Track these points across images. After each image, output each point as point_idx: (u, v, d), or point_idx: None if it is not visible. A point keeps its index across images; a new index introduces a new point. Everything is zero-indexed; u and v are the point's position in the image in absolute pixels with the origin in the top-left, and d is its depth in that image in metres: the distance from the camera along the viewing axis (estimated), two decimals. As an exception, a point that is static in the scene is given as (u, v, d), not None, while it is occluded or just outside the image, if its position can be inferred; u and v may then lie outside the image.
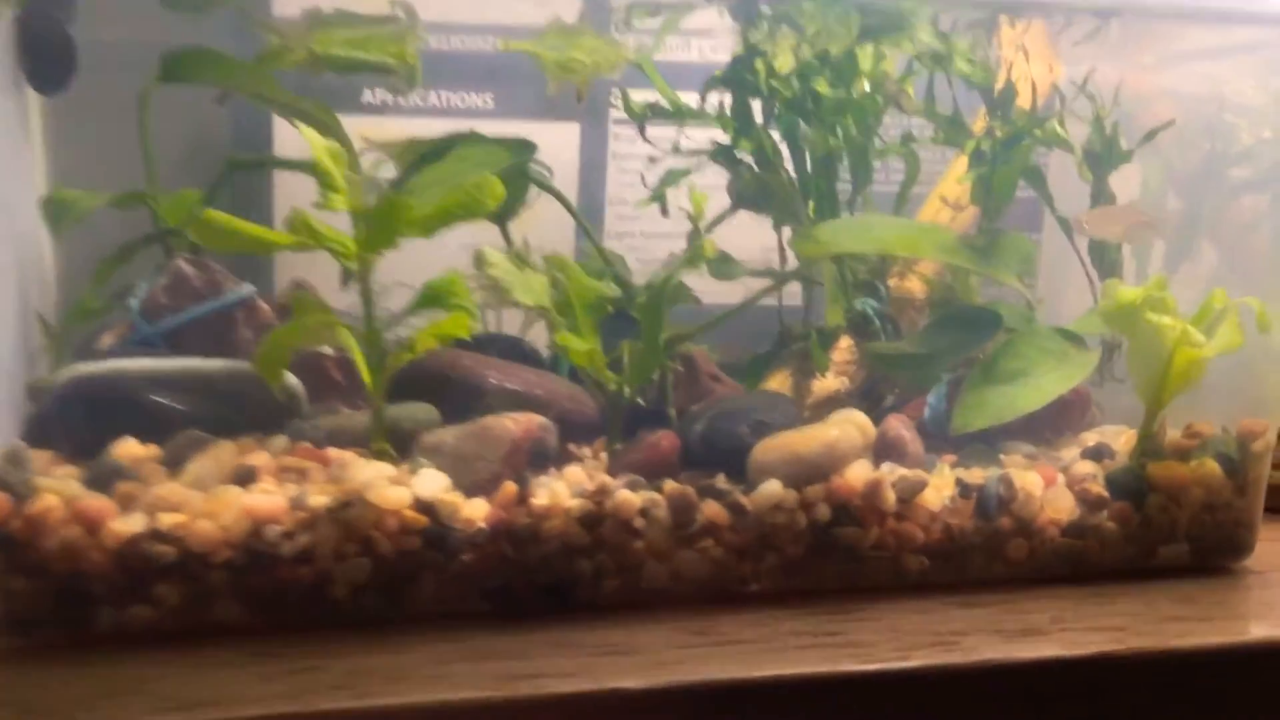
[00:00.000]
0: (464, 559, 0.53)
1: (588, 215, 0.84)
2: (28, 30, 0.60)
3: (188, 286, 0.61)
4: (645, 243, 0.79)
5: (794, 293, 0.73)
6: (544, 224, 0.70)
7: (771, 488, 0.56)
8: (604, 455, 0.61)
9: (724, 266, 0.72)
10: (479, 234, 0.62)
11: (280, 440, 0.56)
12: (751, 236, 0.71)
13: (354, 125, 0.65)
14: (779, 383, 0.68)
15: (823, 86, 0.61)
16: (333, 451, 0.55)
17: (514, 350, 0.68)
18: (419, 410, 0.59)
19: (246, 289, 0.62)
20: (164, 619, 0.50)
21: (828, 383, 0.68)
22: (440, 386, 0.61)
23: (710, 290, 0.69)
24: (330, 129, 0.67)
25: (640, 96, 0.68)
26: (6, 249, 0.59)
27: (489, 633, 0.52)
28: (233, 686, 0.46)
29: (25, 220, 0.63)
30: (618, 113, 0.70)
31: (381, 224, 0.52)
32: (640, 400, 0.64)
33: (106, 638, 0.50)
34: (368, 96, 0.79)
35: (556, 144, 0.82)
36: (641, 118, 0.69)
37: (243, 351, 0.59)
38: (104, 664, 0.48)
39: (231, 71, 0.64)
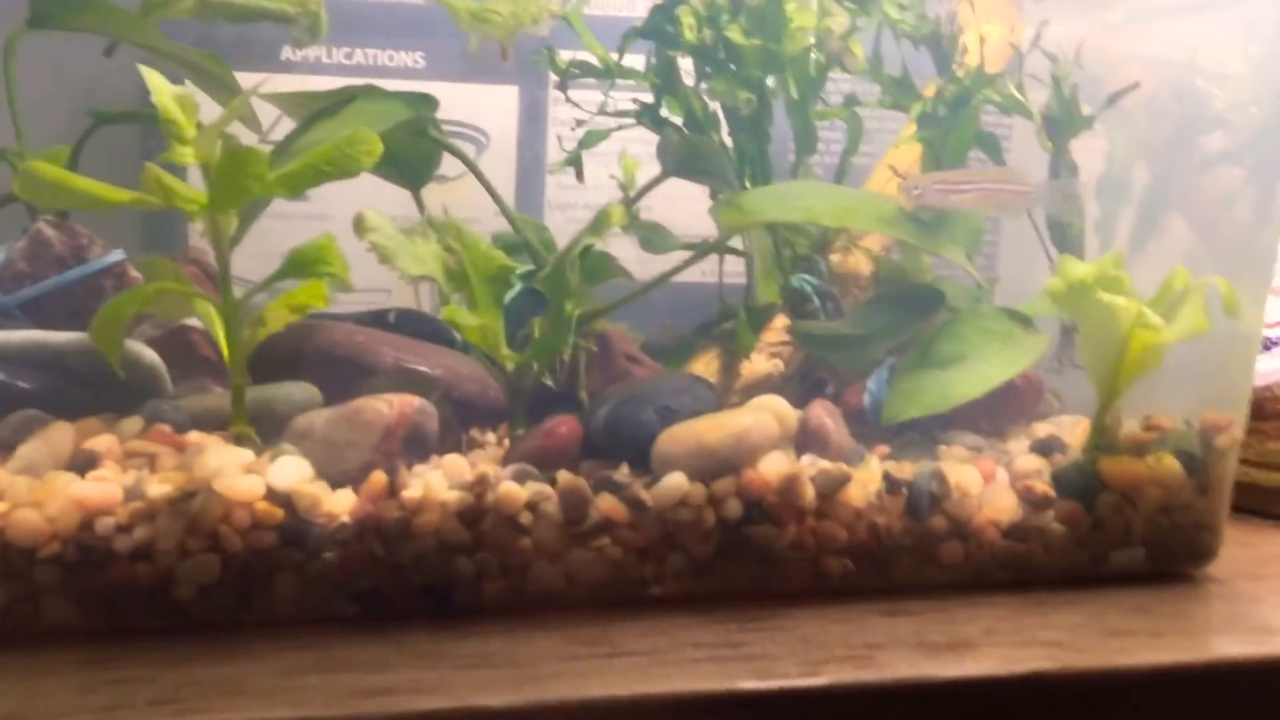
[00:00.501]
0: (327, 557, 0.47)
1: (526, 184, 0.79)
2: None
3: (49, 252, 0.56)
4: (589, 215, 0.74)
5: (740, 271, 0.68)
6: (479, 195, 0.65)
7: (675, 481, 0.51)
8: (508, 442, 0.56)
9: (654, 238, 0.67)
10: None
11: (134, 422, 0.51)
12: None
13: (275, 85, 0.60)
14: (706, 365, 0.62)
15: (735, 34, 0.55)
16: (193, 435, 0.50)
17: (422, 328, 0.63)
18: (297, 390, 0.54)
19: (114, 255, 0.56)
20: (-15, 620, 0.45)
21: (760, 366, 0.62)
22: (330, 364, 0.56)
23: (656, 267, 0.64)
24: (224, 84, 0.63)
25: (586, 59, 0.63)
26: None
27: (351, 641, 0.46)
28: (45, 697, 0.41)
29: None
30: (562, 76, 0.65)
31: (231, 180, 0.46)
32: (549, 382, 0.59)
33: (-81, 640, 0.45)
34: (288, 54, 0.75)
35: (493, 108, 0.77)
36: (566, 75, 0.64)
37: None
38: (-90, 670, 0.43)
39: (110, 18, 0.59)
